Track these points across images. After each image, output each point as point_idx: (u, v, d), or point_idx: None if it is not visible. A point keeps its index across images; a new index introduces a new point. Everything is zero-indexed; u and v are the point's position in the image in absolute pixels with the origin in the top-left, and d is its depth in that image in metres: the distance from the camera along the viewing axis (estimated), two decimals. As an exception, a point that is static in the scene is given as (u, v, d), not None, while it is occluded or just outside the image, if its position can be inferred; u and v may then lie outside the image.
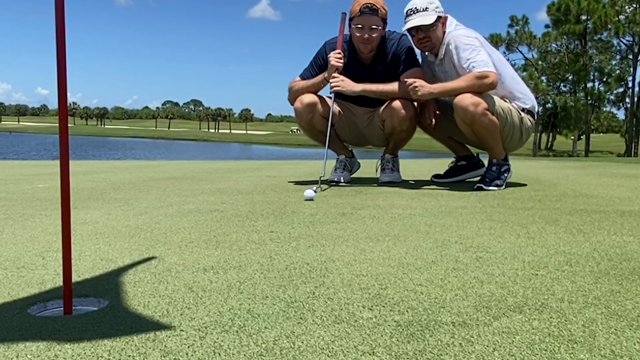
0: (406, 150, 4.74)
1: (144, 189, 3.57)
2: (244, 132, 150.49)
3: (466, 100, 3.19)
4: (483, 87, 3.20)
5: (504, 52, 46.63)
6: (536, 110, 3.58)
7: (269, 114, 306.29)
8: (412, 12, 3.34)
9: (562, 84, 51.49)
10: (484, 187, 3.34)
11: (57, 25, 1.15)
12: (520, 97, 3.48)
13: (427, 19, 3.30)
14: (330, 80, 3.53)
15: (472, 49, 3.23)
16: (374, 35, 3.46)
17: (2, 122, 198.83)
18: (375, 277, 1.44)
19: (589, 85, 49.61)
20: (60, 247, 1.22)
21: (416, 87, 3.28)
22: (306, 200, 2.91)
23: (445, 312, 1.17)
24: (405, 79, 3.43)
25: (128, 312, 1.18)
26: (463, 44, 3.26)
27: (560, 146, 58.63)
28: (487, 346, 0.99)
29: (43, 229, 2.15)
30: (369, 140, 3.97)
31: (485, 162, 3.68)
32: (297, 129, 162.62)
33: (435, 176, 4.01)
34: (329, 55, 3.56)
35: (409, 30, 3.39)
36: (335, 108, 3.67)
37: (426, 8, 3.31)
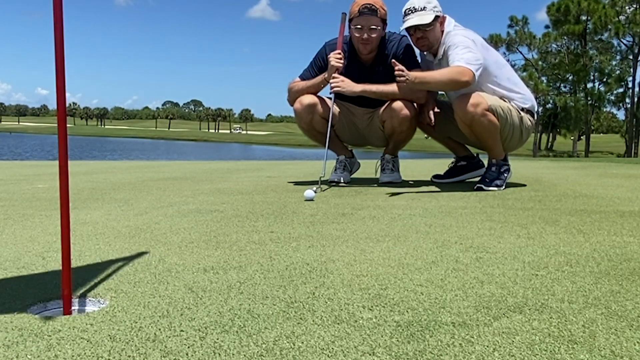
0: (406, 150, 4.75)
1: (144, 189, 3.57)
2: (244, 132, 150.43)
3: (466, 100, 3.20)
4: (458, 83, 3.16)
5: (504, 53, 46.65)
6: (536, 110, 3.58)
7: (269, 114, 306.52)
8: (410, 12, 3.34)
9: (562, 85, 51.51)
10: (484, 187, 3.34)
11: (55, 24, 1.15)
12: (519, 97, 3.48)
13: (424, 18, 3.30)
14: (330, 81, 3.53)
15: (462, 47, 3.23)
16: (373, 35, 3.46)
17: (2, 123, 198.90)
18: (375, 278, 1.44)
19: (589, 85, 49.65)
20: (60, 248, 1.22)
21: (400, 75, 3.25)
22: (306, 200, 2.91)
23: (445, 312, 1.17)
24: (393, 62, 3.38)
25: (128, 312, 1.18)
26: (455, 42, 3.28)
27: (560, 146, 58.63)
28: (487, 346, 0.99)
29: (43, 229, 2.15)
30: (369, 141, 3.97)
31: (485, 163, 3.68)
32: (239, 127, 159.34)
33: (435, 176, 4.01)
34: (328, 56, 3.56)
35: (407, 29, 3.39)
36: (335, 109, 3.67)
37: (424, 7, 3.31)
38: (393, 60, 3.34)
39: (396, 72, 3.25)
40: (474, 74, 3.16)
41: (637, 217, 2.35)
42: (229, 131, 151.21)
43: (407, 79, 3.22)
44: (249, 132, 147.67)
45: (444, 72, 3.22)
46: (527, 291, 1.31)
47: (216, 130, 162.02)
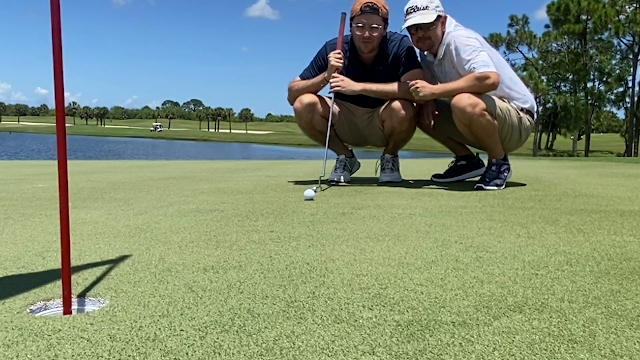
0: (406, 150, 4.74)
1: (144, 189, 3.57)
2: (244, 132, 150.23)
3: (464, 101, 3.19)
4: (484, 88, 3.20)
5: (504, 52, 46.70)
6: (535, 110, 3.58)
7: (269, 114, 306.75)
8: (412, 10, 3.34)
9: (562, 84, 51.55)
10: (484, 186, 3.34)
11: (53, 25, 1.15)
12: (518, 97, 3.48)
13: (427, 17, 3.30)
14: (330, 80, 3.53)
15: (472, 50, 3.23)
16: (374, 34, 3.46)
17: (2, 122, 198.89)
18: (375, 277, 1.44)
19: (589, 85, 49.69)
20: (60, 247, 1.22)
21: (418, 88, 3.29)
22: (306, 200, 2.91)
23: (445, 311, 1.17)
24: (407, 80, 3.43)
25: (128, 312, 1.18)
26: (463, 44, 3.26)
27: (560, 146, 58.63)
28: (487, 346, 0.99)
29: (43, 229, 2.15)
30: (369, 141, 3.97)
31: (485, 162, 3.68)
32: (159, 124, 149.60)
33: (435, 176, 4.01)
34: (328, 55, 3.56)
35: (408, 28, 3.39)
36: (335, 108, 3.67)
37: (426, 7, 3.31)
38: (407, 80, 3.37)
39: (412, 89, 3.29)
40: (498, 74, 3.19)
41: (637, 217, 2.35)
42: (152, 128, 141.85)
43: (426, 93, 3.27)
44: (248, 132, 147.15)
45: (467, 82, 3.20)
46: (527, 290, 1.31)
47: (216, 130, 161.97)
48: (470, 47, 3.25)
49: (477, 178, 3.61)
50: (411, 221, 2.27)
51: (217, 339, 1.03)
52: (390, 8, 3.52)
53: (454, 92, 3.26)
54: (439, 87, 3.34)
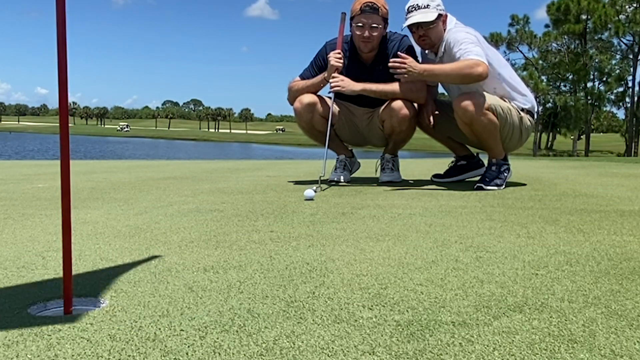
0: (406, 150, 4.74)
1: (144, 189, 3.57)
2: (244, 131, 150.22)
3: (465, 100, 3.20)
4: (473, 76, 3.11)
5: (505, 52, 46.70)
6: (536, 110, 3.58)
7: (269, 114, 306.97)
8: (413, 9, 3.34)
9: (562, 84, 51.54)
10: (484, 186, 3.34)
11: (58, 23, 1.15)
12: (519, 97, 3.48)
13: (428, 16, 3.30)
14: (330, 80, 3.53)
15: (468, 42, 3.22)
16: (374, 34, 3.46)
17: (2, 122, 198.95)
18: (375, 277, 1.44)
19: (589, 84, 49.70)
20: (60, 247, 1.22)
21: (407, 68, 3.20)
22: (306, 200, 2.91)
23: (445, 311, 1.17)
24: (398, 54, 3.36)
25: (128, 312, 1.18)
26: (460, 38, 3.27)
27: (560, 146, 58.63)
28: (487, 346, 0.99)
29: (43, 229, 2.15)
30: (369, 141, 3.97)
31: (485, 162, 3.68)
32: (126, 125, 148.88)
33: (435, 176, 4.01)
34: (328, 55, 3.56)
35: (409, 27, 3.39)
36: (335, 108, 3.67)
37: (427, 5, 3.31)
38: (399, 53, 3.33)
39: (393, 63, 3.21)
40: (487, 66, 3.15)
41: (637, 217, 2.35)
42: (118, 128, 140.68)
43: (411, 71, 3.20)
44: (248, 132, 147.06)
45: (456, 65, 3.16)
46: (527, 290, 1.31)
47: (216, 130, 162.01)
48: (466, 40, 3.24)
49: (477, 178, 3.61)
50: (411, 221, 2.27)
51: (217, 339, 1.03)
52: (390, 8, 3.52)
53: (443, 73, 3.24)
54: (428, 67, 3.30)
